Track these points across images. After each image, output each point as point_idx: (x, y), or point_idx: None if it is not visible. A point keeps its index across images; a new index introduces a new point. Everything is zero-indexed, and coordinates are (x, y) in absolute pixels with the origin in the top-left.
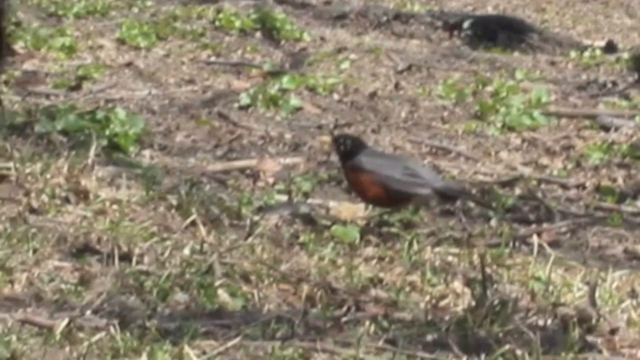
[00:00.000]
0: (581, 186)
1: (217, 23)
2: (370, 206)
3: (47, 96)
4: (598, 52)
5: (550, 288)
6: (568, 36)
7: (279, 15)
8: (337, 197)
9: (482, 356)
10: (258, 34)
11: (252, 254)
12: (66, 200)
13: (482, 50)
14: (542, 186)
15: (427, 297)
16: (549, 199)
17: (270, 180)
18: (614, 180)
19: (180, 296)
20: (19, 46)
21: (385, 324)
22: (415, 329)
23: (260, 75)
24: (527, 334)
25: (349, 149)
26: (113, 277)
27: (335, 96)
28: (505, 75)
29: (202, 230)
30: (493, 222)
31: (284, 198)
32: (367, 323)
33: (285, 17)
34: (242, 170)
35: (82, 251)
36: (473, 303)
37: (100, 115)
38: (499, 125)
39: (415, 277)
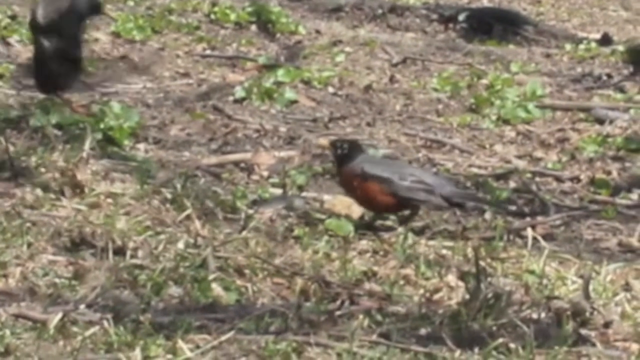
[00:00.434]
0: (576, 179)
1: (212, 16)
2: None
3: None
4: (593, 44)
5: (544, 281)
6: (563, 29)
7: (274, 8)
8: (332, 190)
9: (476, 349)
10: (253, 27)
11: (246, 247)
12: (61, 194)
13: (477, 43)
14: (537, 179)
15: (421, 291)
16: (543, 192)
17: (265, 173)
18: (609, 173)
19: (174, 290)
20: (14, 40)
21: (379, 317)
22: (409, 323)
23: (255, 69)
24: (521, 327)
25: (346, 153)
26: (107, 271)
27: (330, 89)
28: (500, 68)
29: (197, 224)
30: (487, 215)
31: (278, 191)
32: (361, 317)
33: (280, 10)
34: (236, 164)
35: (76, 245)
36: (467, 296)
37: (95, 108)
38: (493, 118)
39: (409, 271)
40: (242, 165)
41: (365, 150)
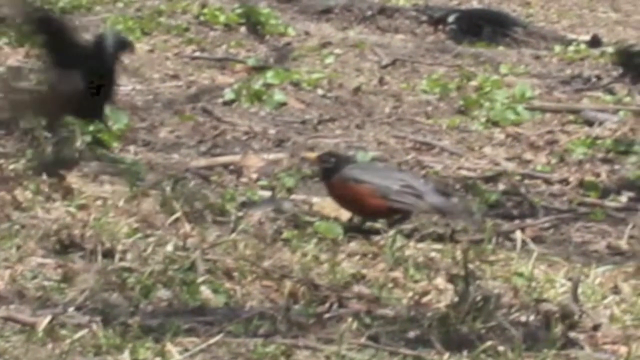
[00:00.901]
0: (565, 181)
1: (201, 18)
2: None
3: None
4: (583, 46)
5: (533, 284)
6: (553, 30)
7: (263, 10)
8: (321, 192)
9: (465, 352)
10: (243, 29)
11: (235, 250)
12: (50, 196)
13: (466, 45)
14: (526, 181)
15: (410, 294)
16: (532, 194)
17: (254, 176)
18: (598, 175)
19: (162, 293)
20: (2, 42)
21: (367, 320)
22: (397, 326)
23: (244, 70)
24: (510, 330)
25: (333, 166)
26: (96, 274)
27: (320, 91)
28: (490, 69)
29: (186, 226)
30: (476, 218)
31: (267, 194)
32: (350, 319)
33: (270, 12)
34: (225, 166)
35: (65, 248)
36: (456, 299)
37: None
38: (482, 120)
39: (398, 274)
40: (231, 167)
41: (352, 161)
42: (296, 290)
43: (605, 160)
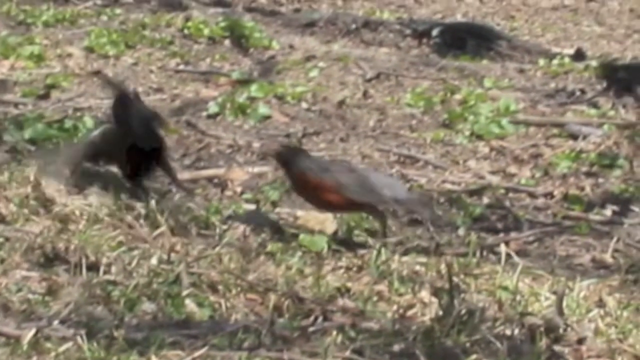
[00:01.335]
0: (549, 195)
1: (185, 31)
2: (338, 215)
3: (16, 105)
4: (567, 59)
5: (518, 297)
6: (537, 44)
7: (247, 23)
8: (305, 206)
9: None
10: (227, 42)
11: (219, 263)
12: (34, 209)
13: (450, 58)
14: (510, 195)
15: (395, 307)
16: (516, 208)
17: (238, 189)
18: (582, 188)
19: (147, 306)
20: None
21: (352, 333)
22: (382, 339)
23: (228, 84)
24: (494, 343)
25: (292, 159)
26: (80, 287)
27: (304, 104)
28: (474, 83)
29: (170, 239)
30: (461, 231)
31: (252, 207)
32: (334, 333)
33: (254, 25)
34: (210, 179)
35: (50, 261)
36: (440, 312)
37: (68, 124)
38: (467, 133)
39: (382, 287)
40: (216, 180)
41: (310, 155)
42: (281, 304)
43: (589, 174)
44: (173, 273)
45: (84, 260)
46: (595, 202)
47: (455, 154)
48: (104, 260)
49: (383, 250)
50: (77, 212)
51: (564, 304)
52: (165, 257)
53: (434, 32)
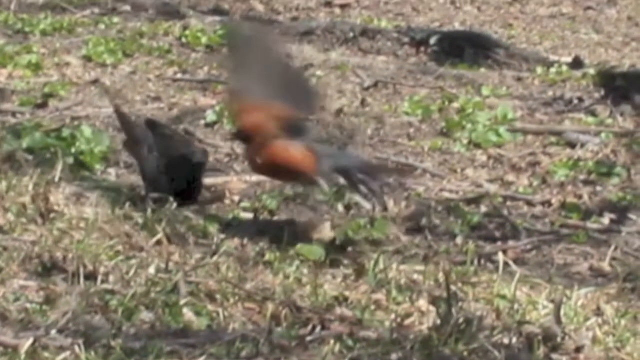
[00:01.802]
0: (547, 203)
1: (183, 40)
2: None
3: (14, 114)
4: (565, 68)
5: (516, 306)
6: (535, 52)
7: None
8: (303, 215)
9: None
10: (225, 51)
11: (217, 272)
12: (32, 218)
13: (448, 67)
14: (508, 203)
15: (393, 316)
16: (514, 216)
17: (236, 198)
18: (580, 197)
19: (145, 315)
20: None
21: (350, 342)
22: (380, 348)
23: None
24: (492, 352)
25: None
26: (78, 296)
27: None
28: (472, 91)
29: (168, 248)
30: (459, 240)
31: (250, 216)
32: (332, 342)
33: None
34: (207, 188)
35: (47, 270)
36: (438, 321)
37: (66, 133)
38: (465, 142)
39: (380, 296)
40: (213, 189)
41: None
42: (278, 313)
43: (587, 182)
44: (171, 282)
45: (81, 270)
46: (593, 211)
47: (453, 162)
48: (102, 270)
49: (381, 258)
50: (75, 221)
51: (562, 312)
52: (163, 266)
53: (432, 41)
